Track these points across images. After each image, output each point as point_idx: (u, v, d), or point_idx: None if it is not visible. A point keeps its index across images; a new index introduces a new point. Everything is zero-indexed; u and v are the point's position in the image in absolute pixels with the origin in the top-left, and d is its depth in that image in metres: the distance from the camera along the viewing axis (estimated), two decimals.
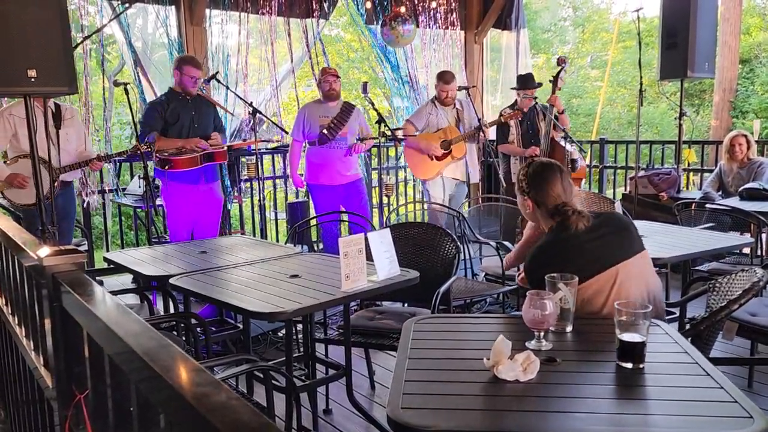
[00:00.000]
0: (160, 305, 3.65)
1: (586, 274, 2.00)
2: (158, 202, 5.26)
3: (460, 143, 5.24)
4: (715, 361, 2.44)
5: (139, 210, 5.54)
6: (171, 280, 2.55)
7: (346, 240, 2.36)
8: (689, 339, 1.96)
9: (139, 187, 5.03)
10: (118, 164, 5.48)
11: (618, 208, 3.18)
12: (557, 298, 1.83)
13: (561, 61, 5.22)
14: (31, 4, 3.18)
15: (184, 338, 2.87)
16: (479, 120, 5.30)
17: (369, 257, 2.47)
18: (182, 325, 2.76)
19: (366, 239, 2.46)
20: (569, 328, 1.87)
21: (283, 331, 3.88)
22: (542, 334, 1.76)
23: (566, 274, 1.87)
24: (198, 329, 2.77)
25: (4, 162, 4.02)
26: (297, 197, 6.32)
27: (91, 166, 4.16)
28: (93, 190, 5.30)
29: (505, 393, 1.49)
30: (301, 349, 3.21)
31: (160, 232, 5.82)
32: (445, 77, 5.21)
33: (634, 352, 1.59)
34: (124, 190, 5.59)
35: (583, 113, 14.25)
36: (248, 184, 5.81)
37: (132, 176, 5.79)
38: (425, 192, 5.60)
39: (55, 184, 3.98)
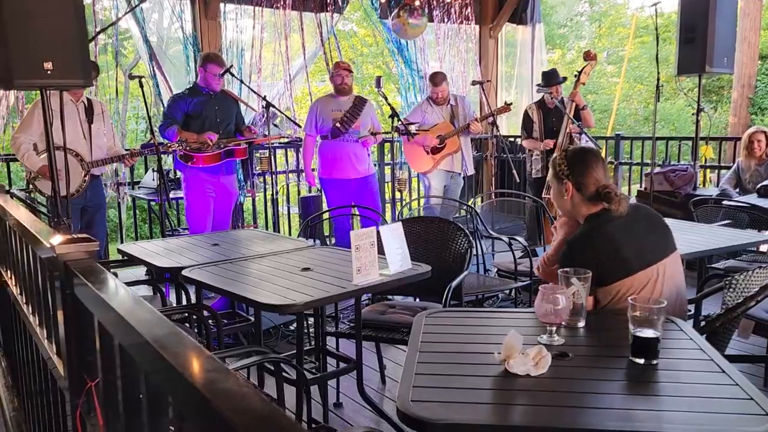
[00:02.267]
0: (173, 297, 3.68)
1: (624, 272, 1.96)
2: (173, 195, 5.31)
3: (452, 138, 5.43)
4: (731, 359, 2.40)
5: (153, 203, 5.59)
6: (183, 272, 2.56)
7: (358, 233, 2.36)
8: (704, 336, 1.94)
9: (153, 180, 5.07)
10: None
11: None
12: (570, 293, 1.81)
13: (589, 56, 5.18)
14: None
15: (195, 330, 2.89)
16: (492, 113, 5.33)
17: (381, 251, 2.46)
18: (194, 317, 2.77)
19: (378, 233, 2.46)
20: (581, 324, 1.85)
21: (295, 325, 3.89)
22: (554, 329, 1.74)
23: (579, 269, 1.85)
24: (210, 321, 2.78)
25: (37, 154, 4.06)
26: (309, 191, 6.33)
27: (125, 162, 4.25)
28: (105, 183, 5.34)
29: (516, 387, 1.48)
30: (313, 343, 3.22)
31: (174, 225, 5.85)
32: (434, 80, 5.45)
33: (648, 347, 1.57)
34: (138, 183, 5.62)
35: (599, 109, 14.10)
36: (261, 178, 5.83)
37: (146, 169, 5.83)
38: (424, 183, 5.79)
39: (86, 177, 4.05)
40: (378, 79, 4.89)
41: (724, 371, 1.52)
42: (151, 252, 3.02)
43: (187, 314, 2.80)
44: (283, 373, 2.42)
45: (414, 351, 1.68)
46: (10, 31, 3.12)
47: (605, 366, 1.61)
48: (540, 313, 1.73)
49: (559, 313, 1.72)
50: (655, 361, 1.57)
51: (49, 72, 3.21)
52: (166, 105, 4.51)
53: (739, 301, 1.88)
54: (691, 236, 3.17)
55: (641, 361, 1.57)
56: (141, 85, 3.90)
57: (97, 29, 5.37)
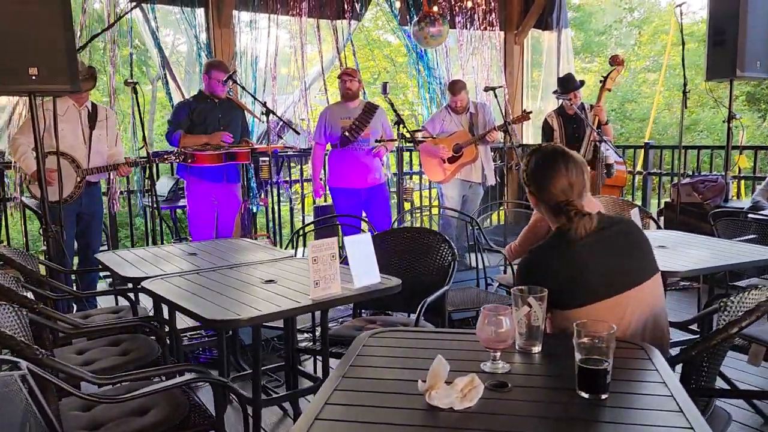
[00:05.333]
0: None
1: (588, 299, 1.74)
2: (183, 203, 5.27)
3: (470, 147, 5.28)
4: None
5: (164, 211, 5.56)
6: (143, 283, 2.45)
7: (317, 244, 2.21)
8: (681, 366, 1.72)
9: (149, 187, 5.02)
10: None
11: (635, 215, 2.89)
12: (522, 314, 1.62)
13: (616, 61, 4.95)
14: (33, 1, 3.18)
15: (167, 342, 2.78)
16: (505, 120, 5.13)
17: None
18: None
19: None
20: (537, 349, 1.64)
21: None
22: (498, 354, 1.55)
23: (535, 287, 1.64)
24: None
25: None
26: (324, 201, 6.22)
27: (119, 172, 4.20)
28: (116, 191, 5.33)
29: (435, 423, 1.29)
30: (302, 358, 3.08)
31: (185, 234, 5.82)
32: (452, 88, 5.32)
33: (595, 380, 1.36)
34: (148, 191, 5.60)
35: (638, 118, 13.59)
36: (274, 188, 5.75)
37: (158, 176, 5.82)
38: (440, 193, 5.64)
39: (80, 183, 4.00)
40: (384, 85, 4.74)
41: (681, 411, 1.30)
42: (126, 261, 2.93)
43: (155, 326, 2.68)
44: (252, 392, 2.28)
45: (337, 375, 1.51)
46: None
47: (546, 399, 1.40)
48: (482, 337, 1.54)
49: (503, 337, 1.53)
50: (604, 396, 1.36)
51: (34, 77, 3.18)
52: (171, 112, 4.50)
53: (720, 327, 1.64)
54: (702, 251, 2.91)
55: (587, 395, 1.37)
56: (135, 92, 3.87)
57: (112, 36, 5.39)
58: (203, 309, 2.08)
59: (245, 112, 4.79)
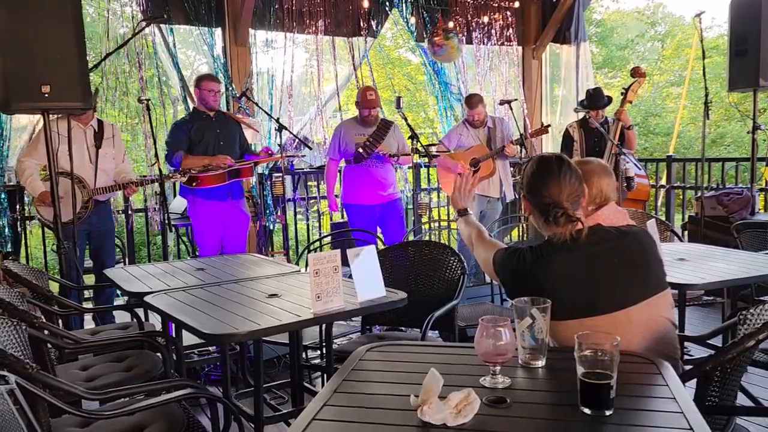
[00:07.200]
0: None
1: (572, 314, 1.67)
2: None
3: (487, 161, 5.19)
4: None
5: (180, 228, 5.57)
6: (146, 298, 2.43)
7: (318, 256, 2.16)
8: (696, 381, 1.62)
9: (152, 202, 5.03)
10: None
11: (651, 227, 2.78)
12: (524, 327, 1.54)
13: (637, 73, 4.87)
14: (46, 20, 3.23)
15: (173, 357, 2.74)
16: (521, 134, 5.06)
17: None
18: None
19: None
20: (541, 363, 1.56)
21: (301, 354, 3.70)
22: (497, 369, 1.47)
23: (538, 298, 1.57)
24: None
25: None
26: (342, 217, 6.19)
27: (127, 192, 4.20)
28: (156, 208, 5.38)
29: None
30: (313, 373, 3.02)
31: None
32: (469, 102, 5.30)
33: (598, 395, 1.28)
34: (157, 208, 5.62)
35: (662, 132, 13.37)
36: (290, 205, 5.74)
37: (175, 194, 5.85)
38: None
39: (87, 202, 3.99)
40: (398, 99, 4.71)
41: (691, 429, 1.21)
42: (133, 276, 2.92)
43: (157, 342, 2.65)
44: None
45: (329, 390, 1.45)
46: (8, 55, 3.15)
47: (546, 416, 1.32)
48: (480, 350, 1.47)
49: (503, 350, 1.45)
50: (608, 412, 1.28)
51: (46, 95, 3.22)
52: (168, 133, 4.39)
53: (736, 340, 1.54)
54: (723, 264, 2.79)
55: (589, 411, 1.29)
56: (148, 109, 3.88)
57: (138, 58, 5.47)
58: (201, 323, 2.03)
59: (241, 126, 4.71)
